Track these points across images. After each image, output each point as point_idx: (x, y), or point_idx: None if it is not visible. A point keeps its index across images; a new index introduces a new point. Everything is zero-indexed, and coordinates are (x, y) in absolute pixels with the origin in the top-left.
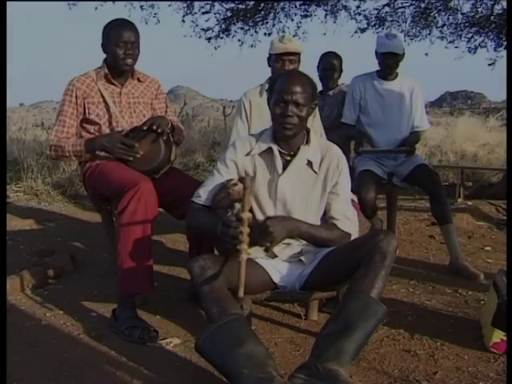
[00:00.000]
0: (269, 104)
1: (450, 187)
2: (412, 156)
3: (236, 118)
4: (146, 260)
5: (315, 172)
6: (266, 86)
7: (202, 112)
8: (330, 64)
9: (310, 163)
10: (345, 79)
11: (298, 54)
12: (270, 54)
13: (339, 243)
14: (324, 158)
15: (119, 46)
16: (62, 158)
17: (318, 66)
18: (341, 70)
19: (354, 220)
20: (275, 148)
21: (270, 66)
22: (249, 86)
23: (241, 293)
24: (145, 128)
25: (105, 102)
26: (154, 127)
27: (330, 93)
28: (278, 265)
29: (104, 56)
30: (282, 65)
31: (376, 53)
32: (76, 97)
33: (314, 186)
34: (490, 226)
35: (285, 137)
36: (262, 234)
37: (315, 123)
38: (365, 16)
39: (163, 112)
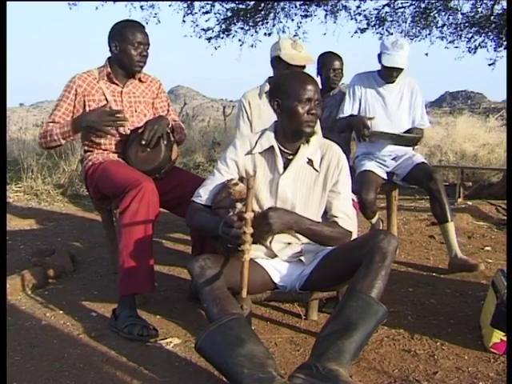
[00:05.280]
0: (271, 105)
1: (450, 187)
2: (412, 155)
3: (238, 120)
4: (146, 260)
5: (316, 170)
6: (266, 87)
7: (202, 112)
8: (334, 64)
9: (310, 161)
10: (344, 79)
11: None
12: (277, 57)
13: (341, 241)
14: (324, 156)
15: (135, 47)
16: (51, 144)
17: (319, 66)
18: (342, 70)
19: (354, 219)
20: (277, 147)
21: (273, 66)
22: (249, 86)
23: (244, 293)
24: (143, 143)
25: (106, 100)
26: (153, 142)
27: (330, 94)
28: (278, 265)
29: (104, 55)
30: (305, 72)
31: (379, 57)
32: (75, 94)
33: (314, 185)
34: (490, 226)
35: (308, 135)
36: (261, 223)
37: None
38: (365, 16)
39: (165, 111)
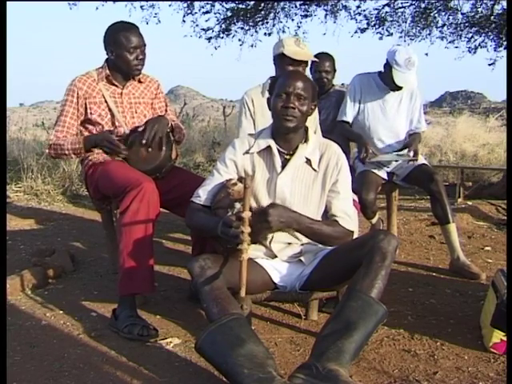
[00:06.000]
0: (269, 104)
1: (450, 187)
2: (401, 161)
3: (240, 118)
4: (147, 260)
5: (314, 170)
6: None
7: (202, 112)
8: (324, 66)
9: (308, 161)
10: (344, 79)
11: None
12: (280, 54)
13: (341, 240)
14: (323, 156)
15: (131, 52)
16: (62, 157)
17: (310, 68)
18: (334, 71)
19: (355, 219)
20: (274, 146)
21: (275, 64)
22: (249, 86)
23: (242, 292)
24: (144, 142)
25: (106, 102)
26: (155, 141)
27: (325, 96)
28: (278, 265)
29: (104, 56)
30: (295, 70)
31: (387, 68)
32: (77, 97)
33: (313, 184)
34: (490, 226)
35: (286, 130)
36: (259, 220)
37: (314, 124)
38: (365, 16)
39: (163, 111)
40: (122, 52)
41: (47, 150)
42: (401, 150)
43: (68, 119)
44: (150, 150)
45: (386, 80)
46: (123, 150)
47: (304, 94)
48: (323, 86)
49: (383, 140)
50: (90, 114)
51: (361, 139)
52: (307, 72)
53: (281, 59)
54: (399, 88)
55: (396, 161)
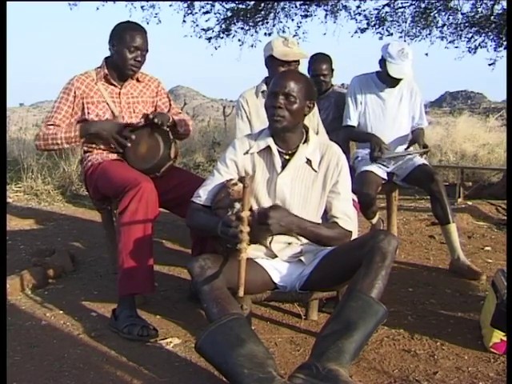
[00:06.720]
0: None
1: (450, 187)
2: (413, 156)
3: (237, 120)
4: (146, 260)
5: (314, 170)
6: (262, 87)
7: (202, 112)
8: (320, 69)
9: (309, 161)
10: (344, 79)
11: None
12: (270, 56)
13: (341, 241)
14: (324, 157)
15: (131, 51)
16: (52, 147)
17: (308, 70)
18: (332, 71)
19: (355, 219)
20: (273, 146)
21: (267, 67)
22: (249, 86)
23: (241, 292)
24: (156, 120)
25: (105, 101)
26: (156, 120)
27: (324, 96)
28: (278, 265)
29: (104, 55)
30: (288, 69)
31: (382, 63)
32: (74, 96)
33: (313, 185)
34: (490, 226)
35: (275, 130)
36: (260, 222)
37: (314, 123)
38: (365, 16)
39: (167, 106)
40: (123, 49)
41: (36, 142)
42: (408, 147)
43: (61, 116)
44: (147, 146)
45: (383, 77)
46: (128, 142)
47: (292, 93)
48: (322, 88)
49: (387, 139)
50: (88, 113)
51: (374, 137)
52: (305, 72)
53: (271, 61)
54: (397, 83)
55: (411, 154)
